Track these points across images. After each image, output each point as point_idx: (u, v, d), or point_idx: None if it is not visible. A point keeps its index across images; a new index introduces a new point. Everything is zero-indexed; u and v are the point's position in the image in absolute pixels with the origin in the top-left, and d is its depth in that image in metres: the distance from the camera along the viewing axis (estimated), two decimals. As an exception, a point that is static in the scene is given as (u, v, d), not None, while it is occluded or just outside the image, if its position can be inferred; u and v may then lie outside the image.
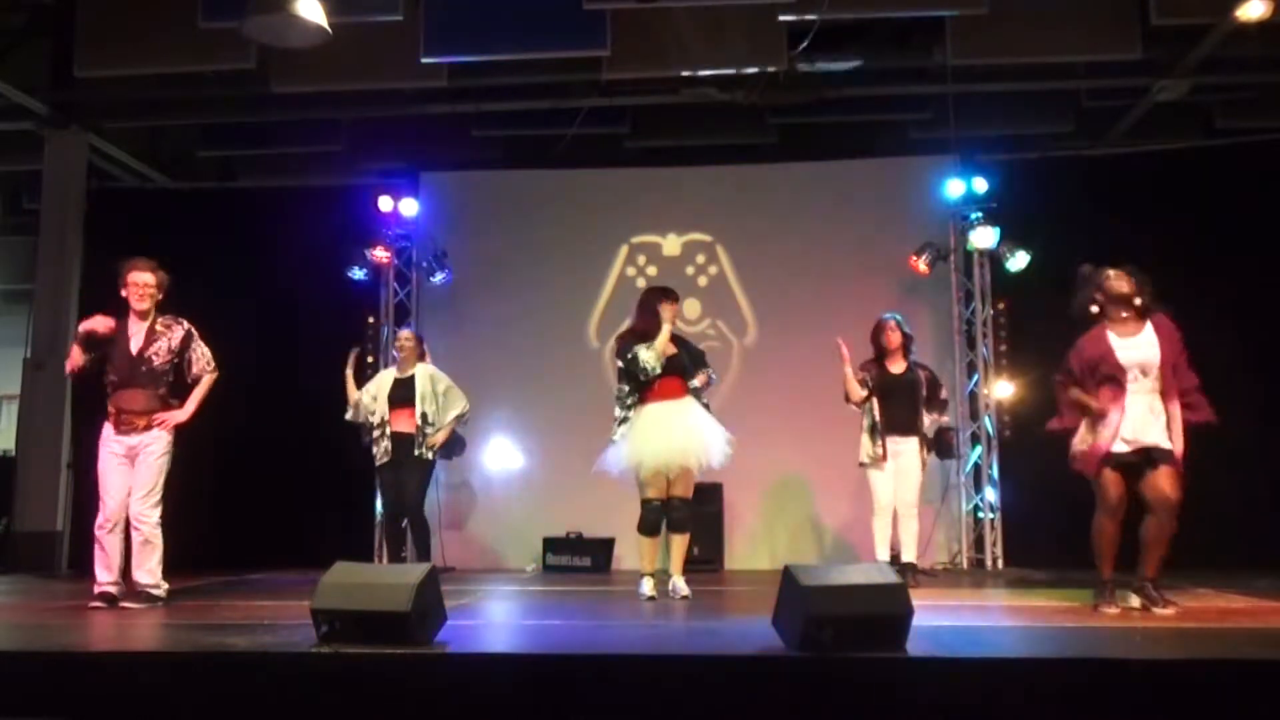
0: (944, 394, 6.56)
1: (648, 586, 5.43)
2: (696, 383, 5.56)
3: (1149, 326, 4.64)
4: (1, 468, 8.83)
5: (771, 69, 7.32)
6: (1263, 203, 7.85)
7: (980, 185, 7.89)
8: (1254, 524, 7.20)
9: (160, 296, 5.20)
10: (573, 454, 7.99)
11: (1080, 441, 4.74)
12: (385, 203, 8.34)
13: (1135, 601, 4.59)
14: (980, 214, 7.82)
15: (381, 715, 3.10)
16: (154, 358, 5.09)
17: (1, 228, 10.37)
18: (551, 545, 8.07)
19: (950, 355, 8.32)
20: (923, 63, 7.64)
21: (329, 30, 5.44)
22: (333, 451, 8.46)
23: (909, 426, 6.24)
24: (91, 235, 8.68)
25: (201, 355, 5.23)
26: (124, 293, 5.15)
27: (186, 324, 5.24)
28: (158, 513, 5.04)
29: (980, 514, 8.14)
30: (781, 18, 6.86)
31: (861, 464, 6.29)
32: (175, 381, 5.18)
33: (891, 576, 3.36)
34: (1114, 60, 7.22)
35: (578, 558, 7.95)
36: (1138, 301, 4.66)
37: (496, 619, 4.69)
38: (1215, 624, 4.25)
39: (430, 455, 6.76)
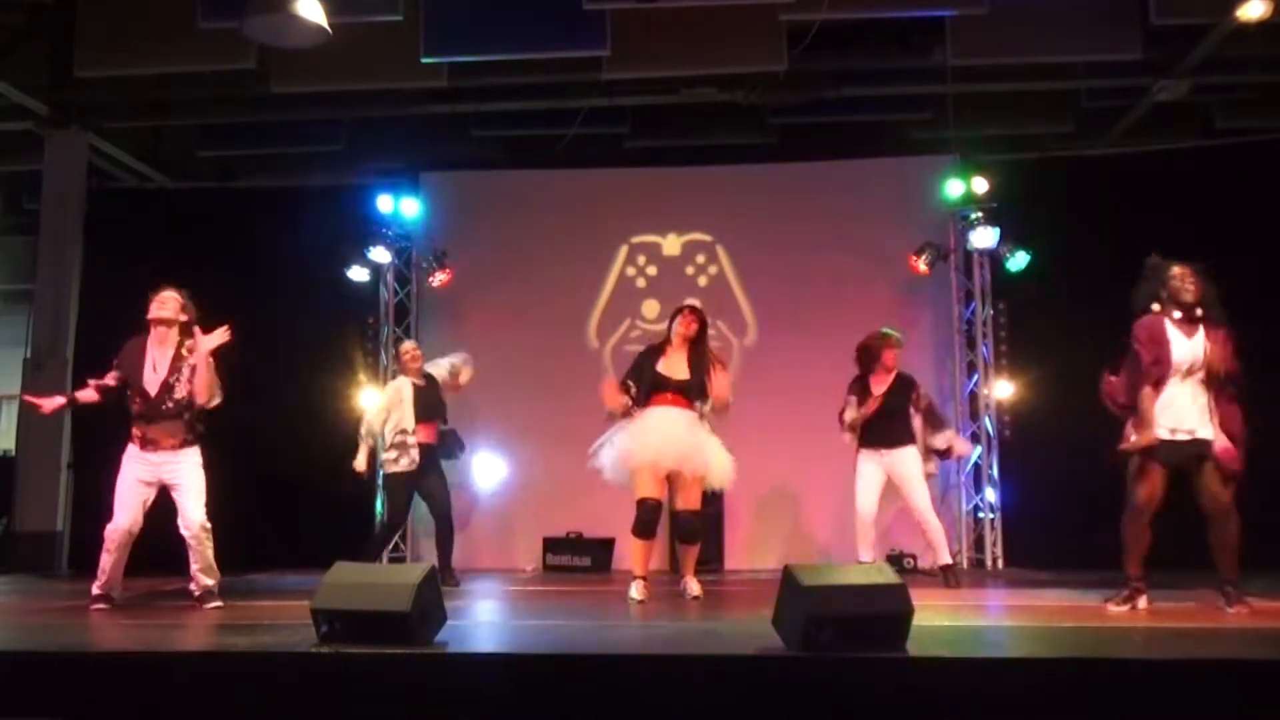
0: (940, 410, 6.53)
1: (636, 590, 5.27)
2: (712, 406, 5.51)
3: (1201, 330, 4.66)
4: (1, 468, 8.83)
5: (771, 69, 7.32)
6: (1263, 203, 7.85)
7: (980, 185, 7.88)
8: (1254, 524, 7.19)
9: (184, 319, 5.04)
10: (573, 454, 7.95)
11: (1130, 437, 4.67)
12: (385, 203, 8.34)
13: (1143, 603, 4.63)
14: (980, 214, 7.82)
15: (381, 715, 3.10)
16: (177, 388, 4.93)
17: (2, 228, 10.37)
18: (551, 545, 8.07)
19: (950, 355, 8.32)
20: (923, 63, 7.64)
21: (329, 30, 5.44)
22: (333, 452, 8.46)
23: (897, 439, 6.31)
24: (91, 235, 8.69)
25: (208, 382, 4.95)
26: (149, 315, 5.00)
27: (212, 341, 4.99)
28: (206, 520, 4.99)
29: (980, 514, 8.14)
30: (782, 18, 6.86)
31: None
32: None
33: (892, 576, 3.36)
34: (1114, 60, 7.22)
35: (578, 558, 7.95)
36: (1199, 312, 4.65)
37: (496, 619, 4.69)
38: (1215, 624, 4.25)
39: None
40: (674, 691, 3.06)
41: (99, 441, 8.45)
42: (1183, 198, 7.91)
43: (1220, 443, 4.58)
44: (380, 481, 7.87)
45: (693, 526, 5.45)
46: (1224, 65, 7.44)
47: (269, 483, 8.13)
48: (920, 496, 6.30)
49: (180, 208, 9.24)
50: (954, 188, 7.96)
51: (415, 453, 6.51)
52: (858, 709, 3.00)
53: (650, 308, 8.58)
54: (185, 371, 4.95)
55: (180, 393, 4.94)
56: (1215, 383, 4.62)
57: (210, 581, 5.04)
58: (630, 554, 5.52)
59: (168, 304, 5.03)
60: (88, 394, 5.06)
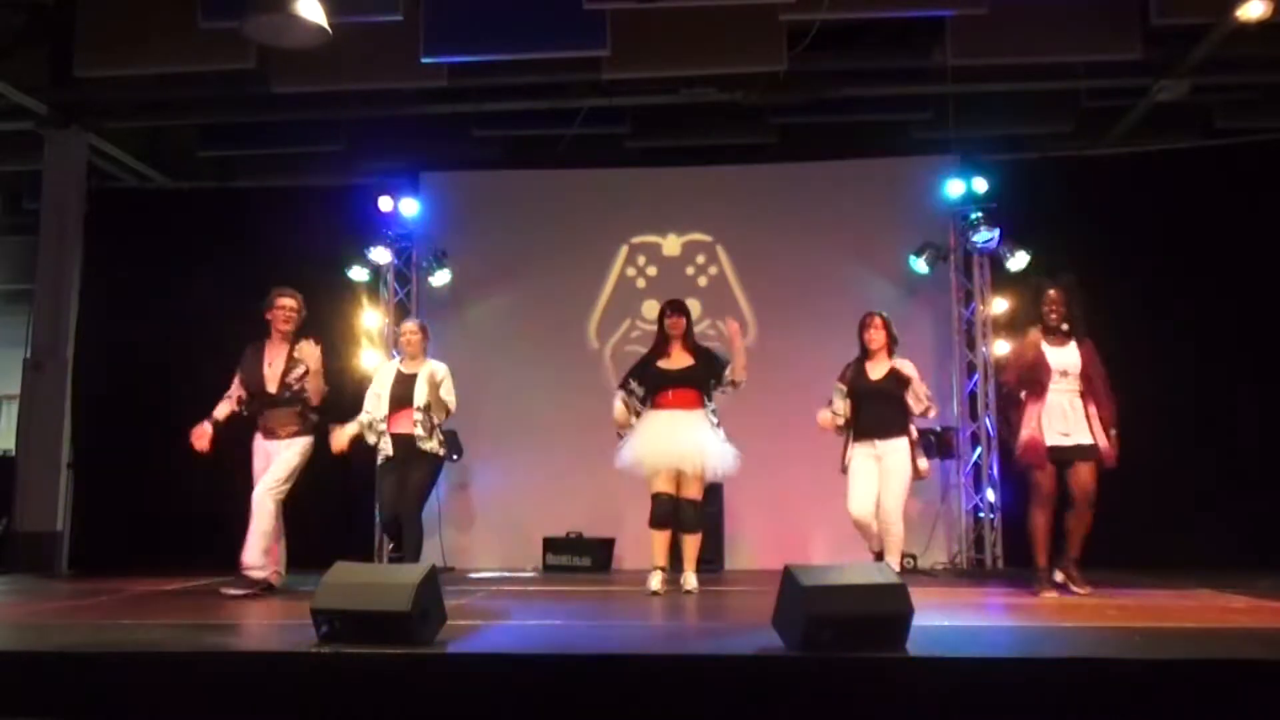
0: (911, 400, 6.01)
1: (655, 581, 5.63)
2: (733, 377, 5.80)
3: (1073, 343, 5.52)
4: (1, 468, 8.83)
5: (771, 69, 7.31)
6: (1263, 203, 7.85)
7: (980, 185, 7.88)
8: (1253, 524, 7.20)
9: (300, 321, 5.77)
10: (573, 454, 8.01)
11: (1023, 430, 5.45)
12: (385, 203, 8.33)
13: (1060, 578, 5.43)
14: (980, 214, 7.81)
15: (381, 715, 3.10)
16: (295, 381, 5.65)
17: (1, 228, 10.36)
18: (551, 545, 8.07)
19: (950, 355, 8.32)
20: (923, 63, 7.63)
21: (329, 30, 5.44)
22: (333, 451, 8.46)
23: (889, 429, 6.00)
24: (91, 235, 8.68)
25: (319, 388, 5.73)
26: (268, 316, 5.71)
27: (318, 352, 5.69)
28: (276, 502, 5.62)
29: (980, 514, 8.13)
30: (782, 18, 6.86)
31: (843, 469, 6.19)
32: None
33: (892, 577, 3.36)
34: (1114, 60, 7.21)
35: (578, 558, 7.95)
36: (1064, 327, 5.54)
37: (496, 619, 4.69)
38: (1215, 624, 4.25)
39: (437, 450, 6.13)
40: (674, 691, 3.06)
41: (99, 441, 8.50)
42: (1183, 198, 7.91)
43: (1101, 443, 5.34)
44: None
45: (690, 515, 5.73)
46: (1224, 65, 7.42)
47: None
48: (893, 494, 5.91)
49: (180, 208, 9.23)
50: (954, 188, 7.95)
51: (387, 446, 6.07)
52: (858, 709, 3.00)
53: (650, 308, 8.56)
54: (299, 370, 5.65)
55: (296, 386, 5.65)
56: (1090, 389, 5.41)
57: (247, 559, 5.53)
58: (649, 546, 5.82)
59: (292, 318, 5.73)
60: (224, 409, 5.72)
